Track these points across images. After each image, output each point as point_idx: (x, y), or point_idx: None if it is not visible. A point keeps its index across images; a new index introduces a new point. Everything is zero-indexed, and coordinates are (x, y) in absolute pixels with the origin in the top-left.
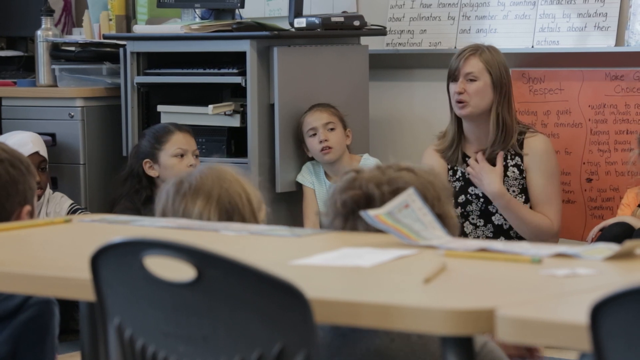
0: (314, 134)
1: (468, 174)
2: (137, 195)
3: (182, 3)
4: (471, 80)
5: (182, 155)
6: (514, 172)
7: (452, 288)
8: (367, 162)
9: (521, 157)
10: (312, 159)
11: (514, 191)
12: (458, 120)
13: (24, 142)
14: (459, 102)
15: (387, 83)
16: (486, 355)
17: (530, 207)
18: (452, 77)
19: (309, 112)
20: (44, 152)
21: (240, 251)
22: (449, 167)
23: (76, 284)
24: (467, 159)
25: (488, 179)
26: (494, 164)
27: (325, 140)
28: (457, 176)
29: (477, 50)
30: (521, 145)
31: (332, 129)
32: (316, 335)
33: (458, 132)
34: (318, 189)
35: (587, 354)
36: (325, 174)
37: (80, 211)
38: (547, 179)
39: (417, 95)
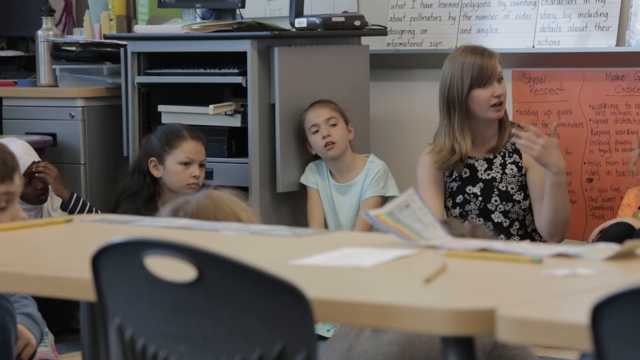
0: (317, 131)
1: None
2: (139, 194)
3: (183, 3)
4: (499, 81)
5: (187, 164)
6: (512, 169)
7: (453, 288)
8: (373, 164)
9: (520, 155)
10: (314, 157)
11: (512, 188)
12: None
13: (18, 156)
14: (499, 104)
15: (388, 83)
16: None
17: (530, 204)
18: (484, 82)
19: (310, 109)
20: (35, 157)
21: (240, 251)
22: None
23: (77, 284)
24: (468, 160)
25: (558, 152)
26: (503, 159)
27: (328, 135)
28: (453, 177)
29: (491, 51)
30: None
31: (334, 124)
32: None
33: (459, 136)
34: (322, 187)
35: (587, 354)
36: (330, 172)
37: None
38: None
39: (417, 95)
